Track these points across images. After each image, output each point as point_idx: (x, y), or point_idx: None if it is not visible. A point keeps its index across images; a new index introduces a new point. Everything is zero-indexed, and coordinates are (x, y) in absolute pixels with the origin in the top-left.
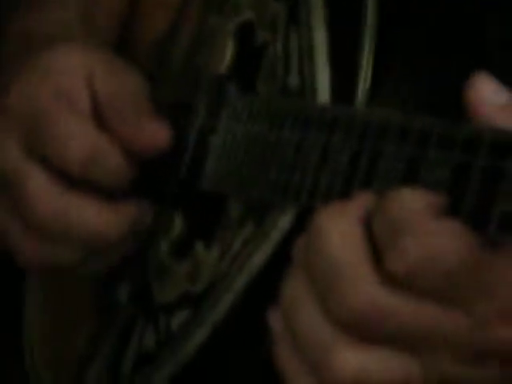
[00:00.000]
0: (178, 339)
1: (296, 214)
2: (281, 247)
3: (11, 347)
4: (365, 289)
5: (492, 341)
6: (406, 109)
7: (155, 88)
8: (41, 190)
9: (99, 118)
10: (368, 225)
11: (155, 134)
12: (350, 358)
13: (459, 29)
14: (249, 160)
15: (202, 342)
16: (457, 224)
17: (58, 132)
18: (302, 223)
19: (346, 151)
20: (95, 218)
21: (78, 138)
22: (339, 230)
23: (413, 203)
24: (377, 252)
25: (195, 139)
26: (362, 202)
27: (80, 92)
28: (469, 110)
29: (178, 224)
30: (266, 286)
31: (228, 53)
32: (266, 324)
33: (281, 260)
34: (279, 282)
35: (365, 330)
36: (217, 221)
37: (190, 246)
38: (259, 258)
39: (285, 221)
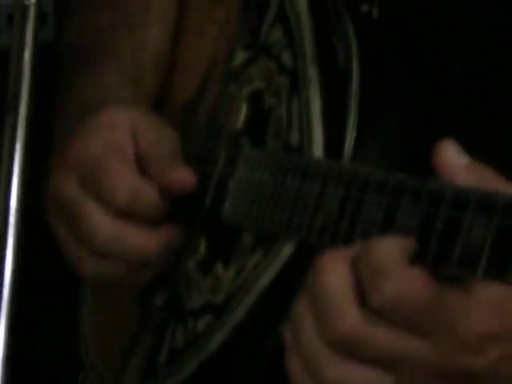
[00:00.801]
0: (203, 339)
1: (296, 245)
2: (283, 271)
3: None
4: (350, 318)
5: (450, 363)
6: (383, 164)
7: (185, 141)
8: (97, 219)
9: (141, 164)
10: (355, 267)
11: (183, 178)
12: (337, 370)
13: (432, 96)
14: (259, 201)
15: (222, 341)
16: (421, 270)
17: (109, 176)
18: (300, 253)
19: (336, 198)
20: (141, 240)
21: (124, 182)
22: (335, 272)
23: (389, 251)
24: (361, 290)
25: (216, 182)
26: (353, 249)
27: (126, 144)
28: (436, 170)
29: (202, 247)
30: (272, 301)
31: (242, 114)
32: (270, 331)
33: (283, 281)
34: (282, 298)
35: (349, 350)
36: (233, 246)
37: (212, 265)
38: (266, 278)
39: (287, 250)
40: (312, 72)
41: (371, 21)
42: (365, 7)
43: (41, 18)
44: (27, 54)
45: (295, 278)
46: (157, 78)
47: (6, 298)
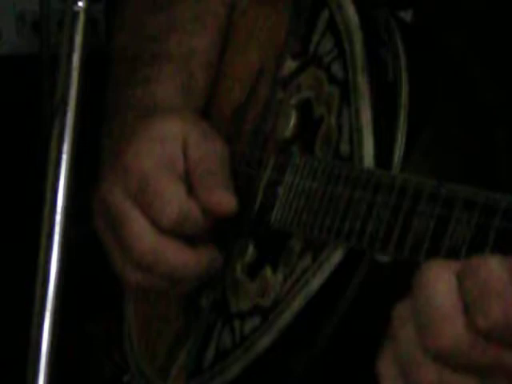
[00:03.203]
0: (250, 341)
1: (345, 252)
2: (332, 277)
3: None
4: (453, 331)
5: None
6: (431, 172)
7: (233, 147)
8: (139, 231)
9: (189, 178)
10: (461, 282)
11: (225, 203)
12: (434, 374)
13: (484, 107)
14: (309, 208)
15: (269, 344)
16: None
17: (159, 195)
18: (349, 260)
19: (387, 206)
20: (180, 258)
21: (173, 203)
22: (443, 282)
23: (498, 272)
24: (467, 306)
25: (265, 188)
26: (460, 263)
27: (177, 158)
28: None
29: (250, 252)
30: (319, 307)
31: (291, 122)
32: (317, 335)
33: (332, 286)
34: (330, 303)
35: (446, 361)
36: (282, 251)
37: (260, 269)
38: (315, 283)
39: (336, 256)
40: (362, 83)
41: (417, 31)
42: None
43: (91, 24)
44: (76, 59)
45: (344, 284)
46: (206, 83)
47: (52, 296)
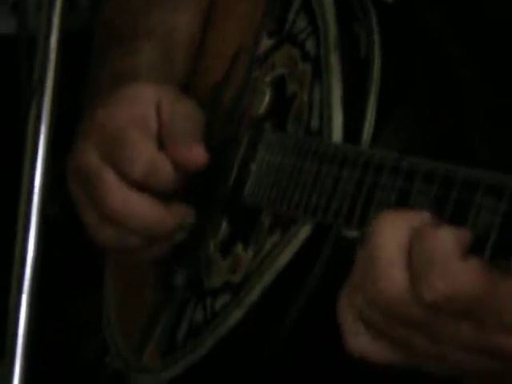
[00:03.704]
0: (220, 317)
1: (313, 227)
2: (300, 251)
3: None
4: (397, 280)
5: (491, 343)
6: (401, 149)
7: (211, 122)
8: (111, 186)
9: (161, 138)
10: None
11: (195, 156)
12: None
13: (458, 85)
14: (278, 183)
15: (239, 319)
16: (477, 263)
17: (128, 147)
18: (317, 234)
19: (351, 181)
20: (151, 211)
21: (142, 154)
22: (394, 230)
23: (446, 242)
24: (411, 266)
25: (239, 164)
26: (415, 217)
27: (149, 116)
28: None
29: (224, 228)
30: (288, 282)
31: (266, 99)
32: (286, 310)
33: (300, 261)
34: (298, 278)
35: (390, 308)
36: (253, 228)
37: (233, 246)
38: (284, 258)
39: (303, 232)
40: (334, 59)
41: (392, 8)
42: None
43: (72, 5)
44: (53, 40)
45: (312, 259)
46: (187, 58)
47: (29, 277)
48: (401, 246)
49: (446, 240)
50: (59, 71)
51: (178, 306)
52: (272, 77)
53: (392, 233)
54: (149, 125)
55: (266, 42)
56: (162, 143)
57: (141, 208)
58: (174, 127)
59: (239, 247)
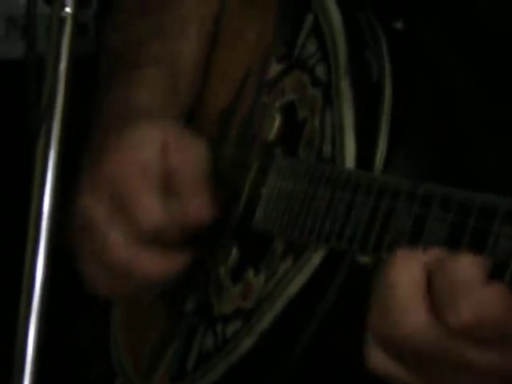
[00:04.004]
0: (231, 344)
1: (326, 254)
2: (312, 278)
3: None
4: (415, 321)
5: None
6: (414, 175)
7: (220, 149)
8: (116, 243)
9: (168, 183)
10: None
11: (200, 212)
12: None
13: (465, 112)
14: (290, 210)
15: (250, 347)
16: (501, 287)
17: (134, 204)
18: (330, 261)
19: (366, 207)
20: (153, 267)
21: (151, 218)
22: (408, 270)
23: (468, 269)
24: (432, 296)
25: (249, 190)
26: (428, 253)
27: (154, 165)
28: None
29: (234, 254)
30: (300, 309)
31: (276, 125)
32: (297, 338)
33: (312, 288)
34: (310, 305)
35: (406, 350)
36: (264, 254)
37: (243, 271)
38: (295, 285)
39: (316, 258)
40: (345, 85)
41: (402, 35)
42: (398, 24)
43: (81, 30)
44: (62, 65)
45: (324, 286)
46: (193, 85)
47: (37, 301)
48: (416, 285)
49: (468, 267)
50: (68, 95)
51: (188, 332)
52: (282, 102)
53: (406, 273)
54: (153, 175)
55: (275, 67)
56: (167, 187)
57: (145, 265)
58: (181, 175)
59: (250, 273)
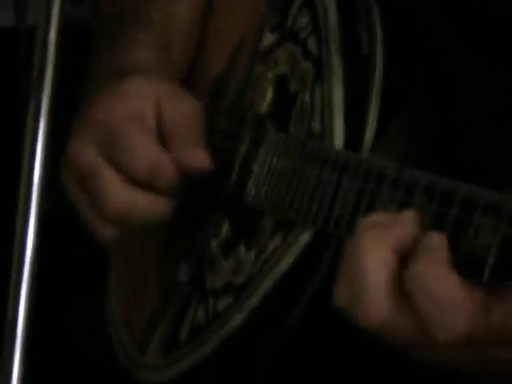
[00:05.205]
0: (221, 319)
1: (313, 234)
2: (300, 258)
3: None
4: (383, 308)
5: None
6: (403, 155)
7: (212, 116)
8: (113, 185)
9: (162, 135)
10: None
11: (200, 160)
12: None
13: (463, 95)
14: (279, 187)
15: (240, 323)
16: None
17: (129, 146)
18: (317, 241)
19: (352, 190)
20: (151, 211)
21: (145, 154)
22: (378, 256)
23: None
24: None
25: (240, 163)
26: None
27: (148, 113)
28: None
29: (225, 229)
30: (287, 288)
31: (268, 97)
32: (285, 316)
33: (299, 268)
34: (297, 285)
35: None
36: (255, 229)
37: (235, 246)
38: (285, 263)
39: (304, 238)
40: (335, 60)
41: (398, 9)
42: None
43: None
44: (52, 33)
45: (313, 264)
46: (186, 48)
47: (28, 272)
48: (388, 265)
49: (452, 283)
50: (59, 64)
51: (181, 303)
52: (274, 74)
53: (377, 251)
54: (148, 121)
55: (268, 37)
56: (162, 141)
57: (143, 208)
58: (176, 126)
59: (241, 249)
